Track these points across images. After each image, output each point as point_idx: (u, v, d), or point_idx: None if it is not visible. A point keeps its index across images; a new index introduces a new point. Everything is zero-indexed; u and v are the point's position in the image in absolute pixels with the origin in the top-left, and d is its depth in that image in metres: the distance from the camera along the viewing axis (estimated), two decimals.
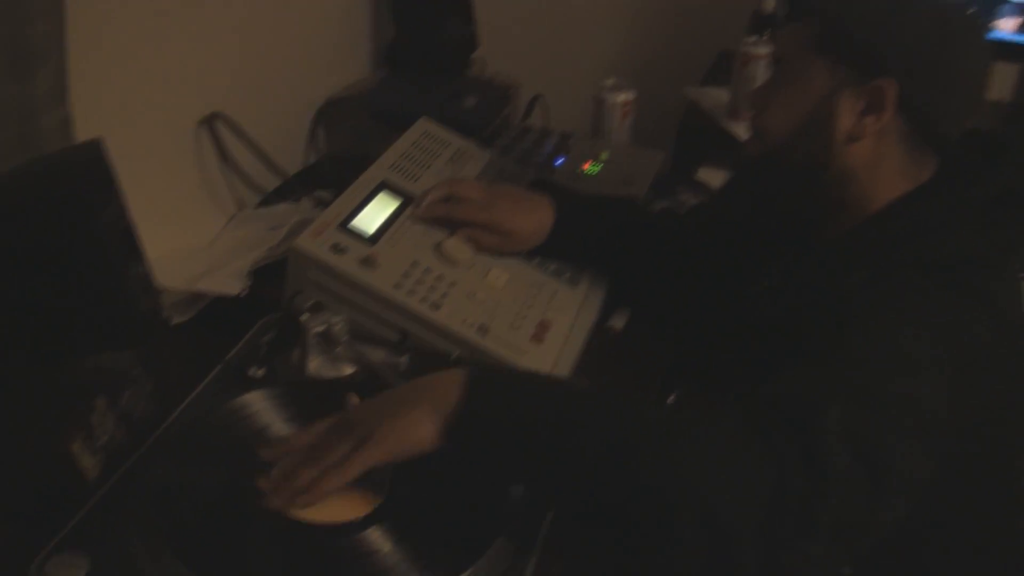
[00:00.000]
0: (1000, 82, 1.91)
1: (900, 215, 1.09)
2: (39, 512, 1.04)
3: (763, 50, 1.97)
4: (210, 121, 1.64)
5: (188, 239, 1.59)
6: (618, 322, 1.46)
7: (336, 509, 1.00)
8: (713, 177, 1.89)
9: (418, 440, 0.94)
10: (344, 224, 1.36)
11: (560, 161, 1.77)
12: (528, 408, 0.94)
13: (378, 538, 0.98)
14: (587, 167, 1.76)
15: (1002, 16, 1.93)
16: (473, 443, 0.94)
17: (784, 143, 1.14)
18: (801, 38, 1.12)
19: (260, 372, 1.20)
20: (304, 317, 1.21)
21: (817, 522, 0.86)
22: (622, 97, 1.93)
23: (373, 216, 1.39)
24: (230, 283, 1.40)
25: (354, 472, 0.95)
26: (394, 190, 1.45)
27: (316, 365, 1.22)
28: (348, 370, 1.23)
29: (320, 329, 1.21)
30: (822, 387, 0.93)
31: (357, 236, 1.35)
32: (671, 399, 1.46)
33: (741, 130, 2.00)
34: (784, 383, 0.95)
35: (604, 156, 1.80)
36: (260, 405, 1.13)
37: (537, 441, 0.91)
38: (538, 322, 1.35)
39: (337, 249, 1.32)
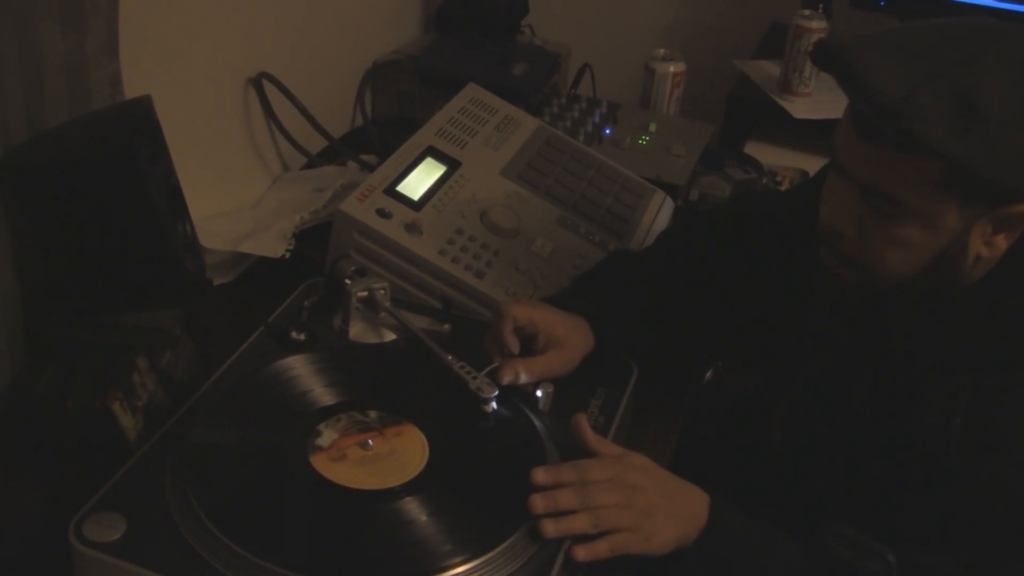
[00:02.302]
0: None
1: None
2: (78, 472, 1.04)
3: (816, 24, 1.93)
4: (258, 81, 1.62)
5: (233, 200, 1.59)
6: None
7: (375, 475, 1.00)
8: (761, 152, 1.86)
9: (659, 548, 0.98)
10: (390, 189, 1.35)
11: (608, 132, 1.74)
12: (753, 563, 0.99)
13: (415, 508, 0.98)
14: (633, 139, 1.73)
15: None
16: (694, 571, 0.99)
17: (903, 281, 1.03)
18: (919, 176, 0.95)
19: (301, 336, 1.19)
20: (347, 281, 1.21)
21: None
22: (672, 68, 1.90)
23: (419, 181, 1.38)
24: (274, 245, 1.39)
25: (601, 553, 0.97)
26: (440, 156, 1.43)
27: (358, 330, 1.21)
28: (390, 336, 1.22)
29: (363, 294, 1.20)
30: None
31: (403, 201, 1.34)
32: (708, 375, 1.46)
33: (792, 105, 1.96)
34: (940, 550, 0.97)
35: (652, 128, 1.77)
36: (301, 369, 1.12)
37: None
38: None
39: (382, 213, 1.31)
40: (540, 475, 1.01)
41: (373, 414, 1.08)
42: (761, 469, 1.25)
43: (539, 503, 0.98)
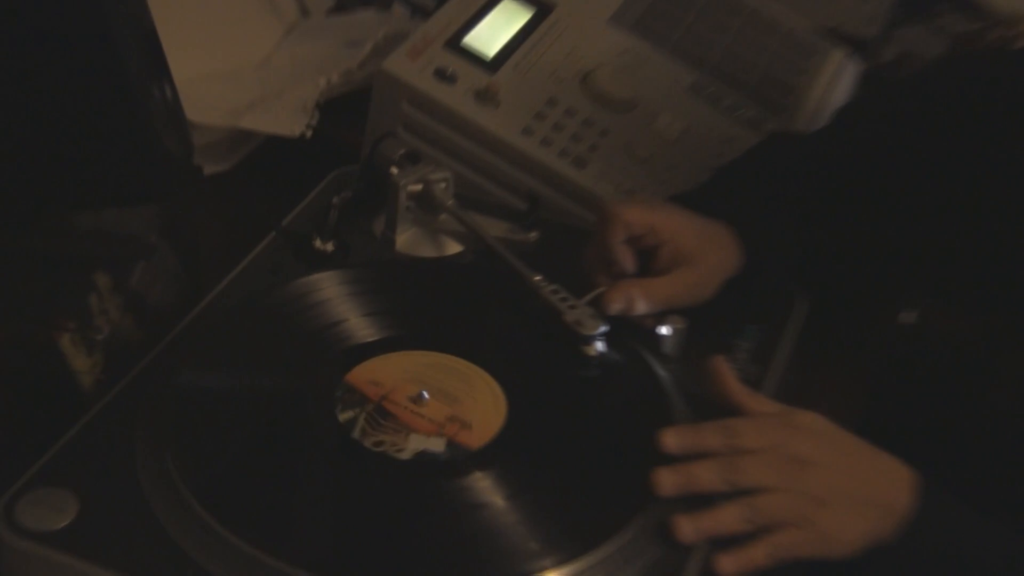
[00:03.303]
0: None
1: None
2: (14, 432, 1.04)
3: None
4: None
5: (232, 56, 1.59)
6: None
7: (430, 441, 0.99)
8: None
9: (841, 550, 0.97)
10: (453, 42, 1.36)
11: None
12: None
13: (487, 487, 0.96)
14: None
15: None
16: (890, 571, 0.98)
17: None
18: None
19: (328, 246, 1.20)
20: (393, 171, 1.21)
21: None
22: None
23: (494, 32, 1.40)
24: (288, 121, 1.40)
25: (758, 562, 0.95)
26: None
27: (408, 239, 1.22)
28: (452, 248, 1.23)
29: (415, 188, 1.21)
30: None
31: (471, 59, 1.36)
32: (907, 316, 1.45)
33: None
34: None
35: None
36: (329, 292, 1.13)
37: None
38: None
39: (443, 76, 1.32)
40: (671, 437, 0.98)
41: (429, 356, 1.08)
42: (981, 444, 1.24)
43: (668, 479, 0.95)
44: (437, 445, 0.98)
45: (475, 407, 1.03)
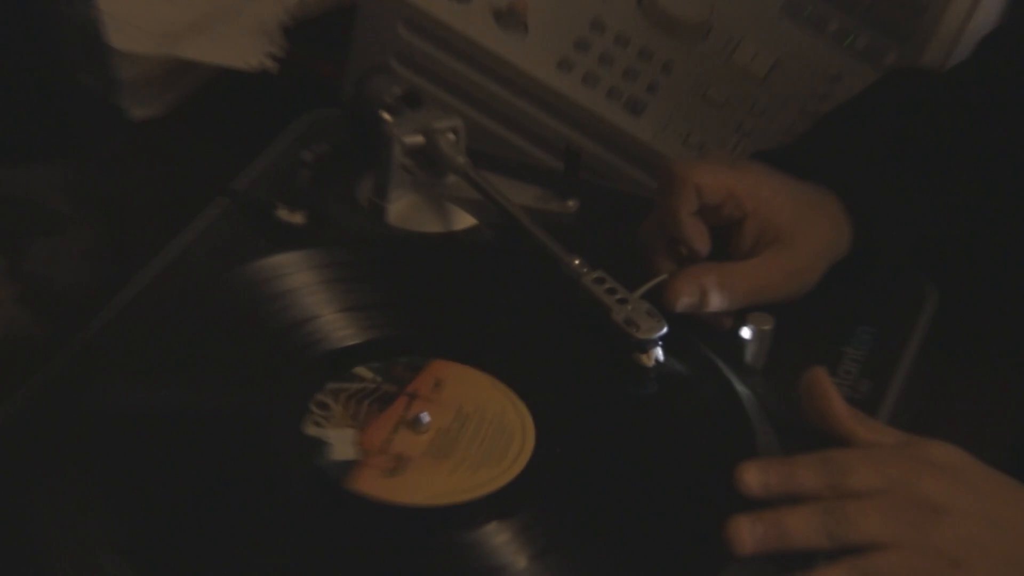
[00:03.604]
0: None
1: None
2: None
3: None
4: None
5: None
6: None
7: (435, 480, 0.99)
8: None
9: None
10: None
11: None
12: None
13: (507, 541, 0.96)
14: None
15: None
16: None
17: None
18: None
19: (298, 217, 1.20)
20: (385, 116, 1.21)
21: None
22: None
23: None
24: (243, 48, 1.41)
25: None
26: None
27: (405, 209, 1.23)
28: (464, 222, 1.24)
29: (414, 141, 1.21)
30: None
31: None
32: None
33: None
34: None
35: None
36: (297, 279, 1.14)
37: None
38: None
39: None
40: (753, 474, 0.98)
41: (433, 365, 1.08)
42: None
43: (748, 532, 0.95)
44: None
45: (491, 433, 1.02)
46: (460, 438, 1.02)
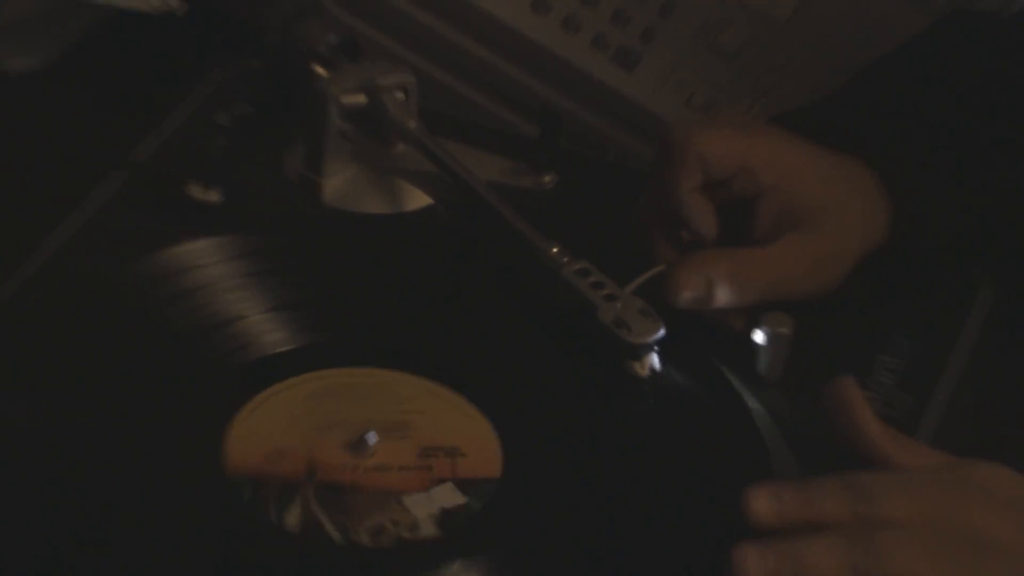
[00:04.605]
0: None
1: None
2: None
3: None
4: None
5: None
6: None
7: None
8: None
9: None
10: None
11: None
12: None
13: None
14: None
15: None
16: None
17: None
18: None
19: (212, 195, 1.23)
20: (318, 70, 1.23)
21: None
22: None
23: None
24: None
25: None
26: None
27: (344, 185, 1.25)
28: (416, 201, 1.25)
29: (355, 101, 1.22)
30: None
31: None
32: None
33: None
34: None
35: None
36: (213, 271, 1.16)
37: None
38: None
39: None
40: (763, 500, 0.98)
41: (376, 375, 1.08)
42: None
43: (757, 565, 0.96)
44: (451, 496, 1.00)
45: (439, 423, 1.05)
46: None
